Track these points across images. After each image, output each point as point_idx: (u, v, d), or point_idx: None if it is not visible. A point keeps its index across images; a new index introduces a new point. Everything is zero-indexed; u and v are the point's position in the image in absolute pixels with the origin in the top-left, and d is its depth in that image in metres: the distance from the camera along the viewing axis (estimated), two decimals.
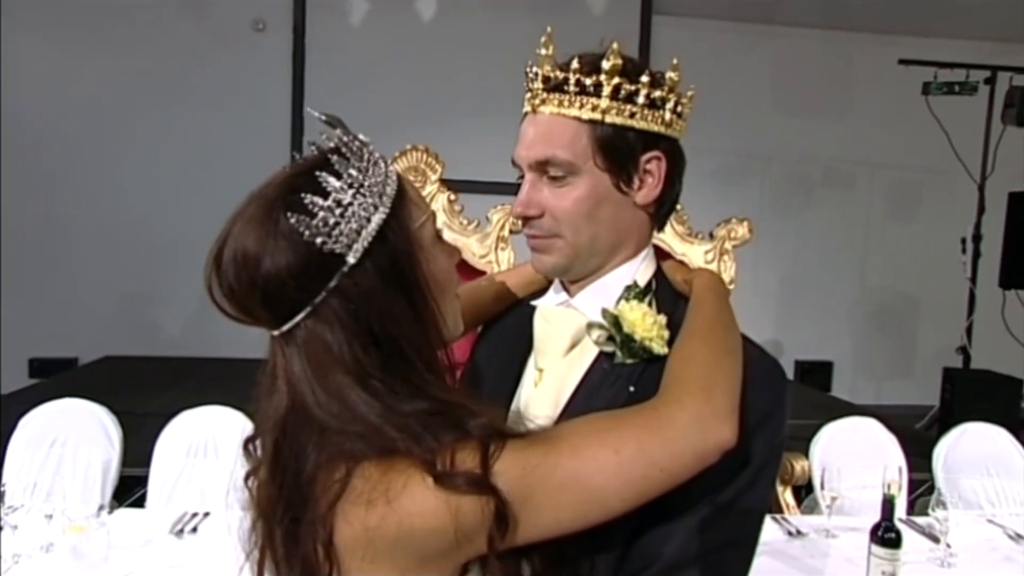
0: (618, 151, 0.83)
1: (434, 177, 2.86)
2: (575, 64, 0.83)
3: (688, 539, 0.75)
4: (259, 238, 0.69)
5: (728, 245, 2.90)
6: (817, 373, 5.92)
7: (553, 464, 0.67)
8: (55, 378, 4.63)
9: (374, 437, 0.67)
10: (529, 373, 0.91)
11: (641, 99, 0.83)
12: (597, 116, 0.83)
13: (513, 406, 0.89)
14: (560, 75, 0.83)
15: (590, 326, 0.85)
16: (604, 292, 0.87)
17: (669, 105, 0.85)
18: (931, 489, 2.26)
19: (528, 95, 0.87)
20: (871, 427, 2.63)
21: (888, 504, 1.68)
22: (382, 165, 0.74)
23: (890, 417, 3.26)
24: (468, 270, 2.79)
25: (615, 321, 0.83)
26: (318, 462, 0.69)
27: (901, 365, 6.05)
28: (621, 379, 0.82)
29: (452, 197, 2.89)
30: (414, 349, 0.72)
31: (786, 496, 2.44)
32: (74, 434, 2.32)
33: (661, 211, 0.89)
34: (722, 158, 5.57)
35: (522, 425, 0.74)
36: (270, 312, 0.72)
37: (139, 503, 2.38)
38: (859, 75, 5.78)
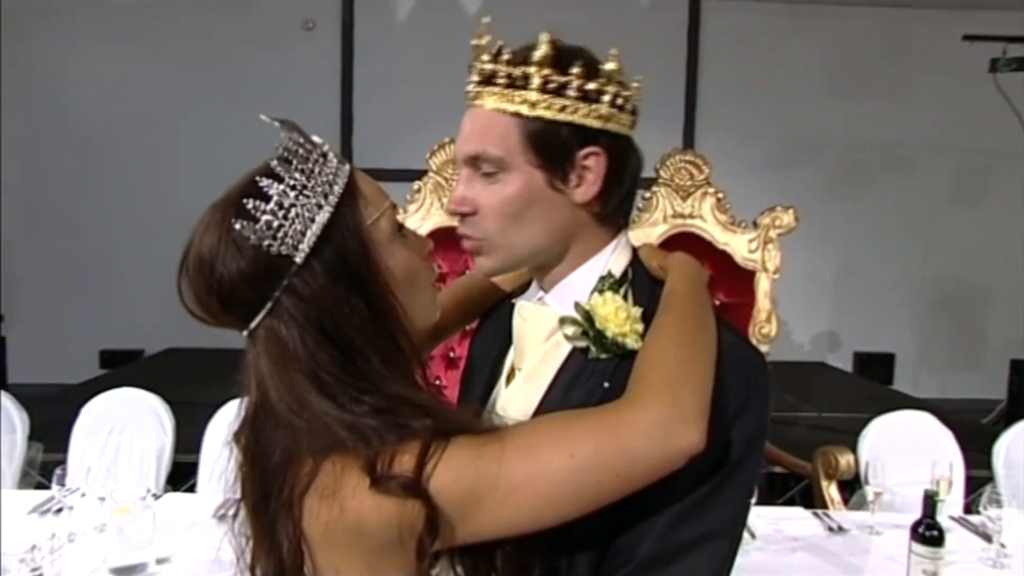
0: (550, 147, 0.79)
1: None
2: (505, 56, 0.80)
3: (664, 535, 0.73)
4: (212, 244, 0.72)
5: (773, 233, 2.83)
6: (877, 365, 5.72)
7: (507, 465, 0.66)
8: (121, 369, 4.86)
9: (328, 435, 0.68)
10: (507, 369, 0.90)
11: (572, 92, 0.79)
12: (526, 110, 0.79)
13: (490, 402, 0.89)
14: (491, 68, 0.81)
15: (563, 321, 0.82)
16: (574, 288, 0.84)
17: (606, 98, 0.80)
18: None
19: (467, 89, 0.84)
20: (924, 421, 2.53)
21: (929, 501, 1.62)
22: (332, 165, 0.75)
23: (955, 411, 3.13)
24: None
25: (587, 315, 0.80)
26: (283, 456, 0.70)
27: (968, 357, 5.78)
28: (595, 375, 0.80)
29: None
30: (368, 344, 0.72)
31: (831, 491, 2.37)
32: (131, 422, 2.44)
33: (607, 210, 0.83)
34: (773, 144, 5.43)
35: (492, 422, 0.73)
36: (231, 314, 0.74)
37: (193, 489, 2.48)
38: (920, 54, 5.53)
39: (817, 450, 2.42)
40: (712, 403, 0.72)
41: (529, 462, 0.67)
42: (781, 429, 3.92)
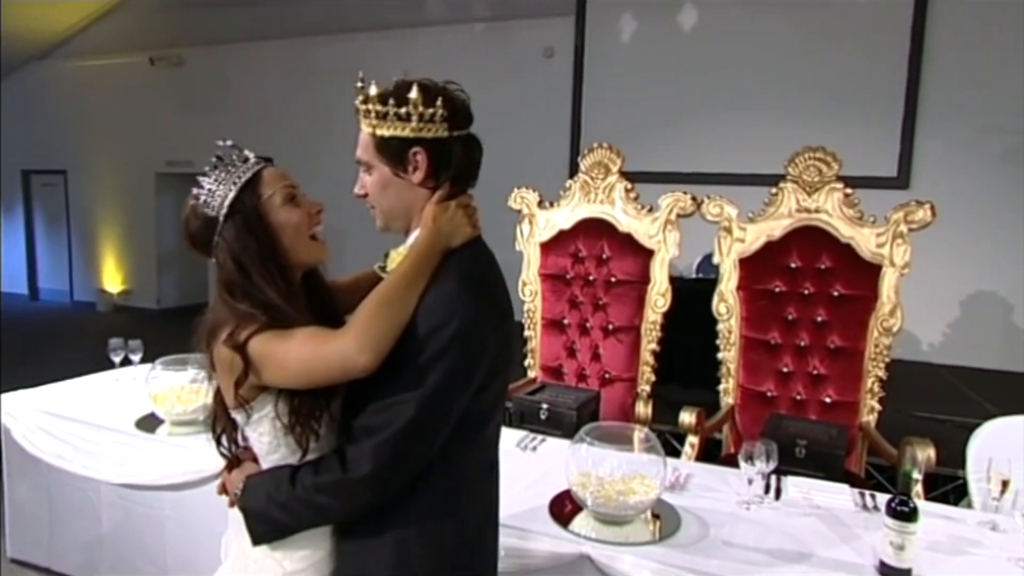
0: (389, 152, 1.26)
1: (614, 169, 3.26)
2: (360, 95, 1.25)
3: (385, 391, 1.18)
4: (186, 214, 1.28)
5: (904, 228, 2.76)
6: None
7: (277, 350, 1.17)
8: None
9: (225, 314, 1.23)
10: None
11: (391, 117, 1.23)
12: (371, 130, 1.26)
13: None
14: (355, 103, 1.26)
15: (379, 264, 1.34)
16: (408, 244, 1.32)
17: (414, 118, 1.22)
18: None
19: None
20: None
21: (904, 479, 1.70)
22: (248, 164, 1.28)
23: None
24: (637, 248, 3.15)
25: (386, 259, 1.32)
26: (211, 326, 1.25)
27: None
28: None
29: (628, 186, 3.25)
30: (255, 268, 1.23)
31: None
32: None
33: (440, 186, 1.28)
34: (1017, 138, 4.74)
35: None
36: (202, 250, 1.28)
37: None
38: None
39: (903, 440, 2.38)
40: (419, 319, 1.18)
41: (284, 352, 1.18)
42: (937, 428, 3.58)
